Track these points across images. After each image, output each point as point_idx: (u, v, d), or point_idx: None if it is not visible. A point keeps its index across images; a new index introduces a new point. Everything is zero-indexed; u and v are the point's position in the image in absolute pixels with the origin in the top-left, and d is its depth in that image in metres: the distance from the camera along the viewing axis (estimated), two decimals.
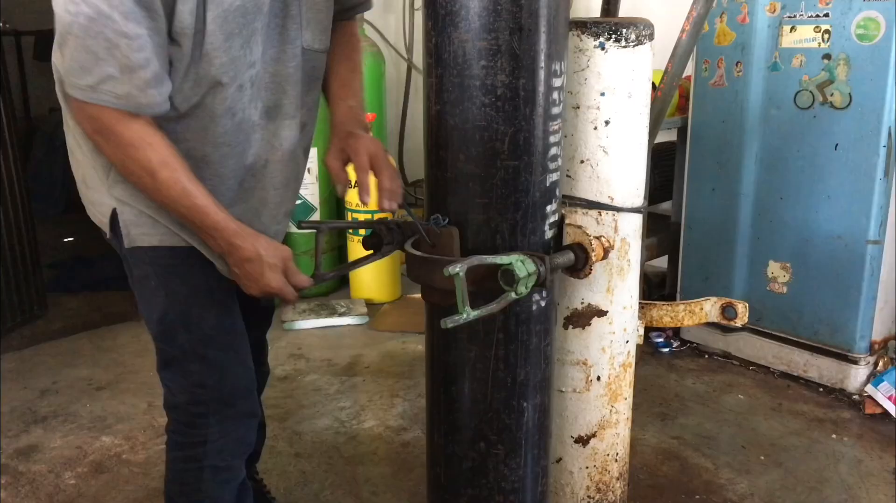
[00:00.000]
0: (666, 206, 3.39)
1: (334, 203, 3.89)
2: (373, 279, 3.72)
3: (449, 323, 1.20)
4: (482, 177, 1.29)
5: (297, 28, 1.48)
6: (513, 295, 1.25)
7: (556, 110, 1.32)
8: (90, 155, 1.50)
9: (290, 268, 1.44)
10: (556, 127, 1.33)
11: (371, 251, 1.51)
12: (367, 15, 4.01)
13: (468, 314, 1.20)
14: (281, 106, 1.52)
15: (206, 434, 1.61)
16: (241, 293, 1.54)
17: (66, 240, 4.77)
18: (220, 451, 1.63)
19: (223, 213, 1.39)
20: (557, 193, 1.39)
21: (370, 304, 3.67)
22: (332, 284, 3.92)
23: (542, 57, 1.26)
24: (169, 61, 1.33)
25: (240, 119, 1.45)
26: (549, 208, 1.36)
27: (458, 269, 1.19)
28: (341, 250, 3.91)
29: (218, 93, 1.39)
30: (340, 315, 3.52)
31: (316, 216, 3.76)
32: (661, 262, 3.47)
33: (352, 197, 3.65)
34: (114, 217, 1.49)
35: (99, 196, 1.52)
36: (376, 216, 3.62)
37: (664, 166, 3.29)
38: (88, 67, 1.25)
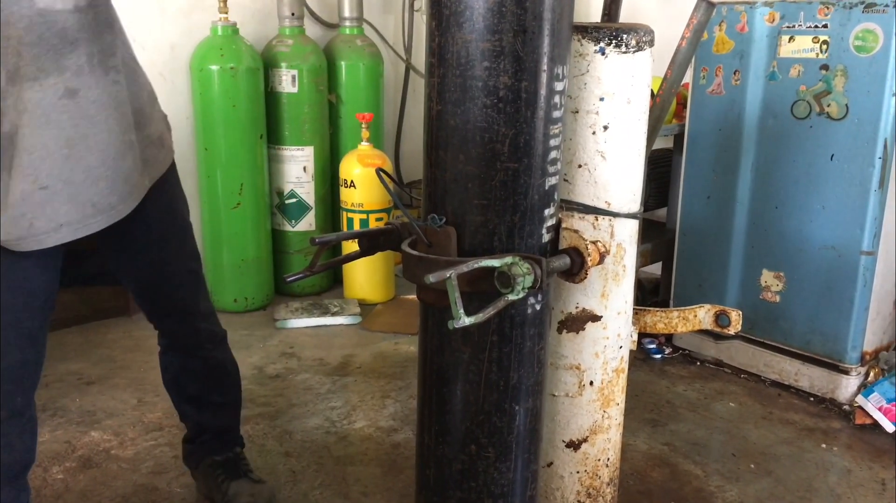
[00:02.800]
0: (661, 213, 3.40)
1: (329, 202, 3.89)
2: (366, 279, 3.72)
3: (453, 325, 1.20)
4: (481, 178, 1.29)
5: None
6: (510, 297, 1.24)
7: (557, 114, 1.32)
8: None
9: None
10: (556, 130, 1.33)
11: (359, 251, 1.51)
12: (366, 15, 4.01)
13: (463, 320, 1.20)
14: (18, 69, 1.47)
15: None
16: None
17: None
18: None
19: None
20: (556, 197, 1.39)
21: (363, 304, 3.66)
22: (325, 283, 3.91)
23: (545, 60, 1.26)
24: None
25: None
26: (547, 212, 1.36)
27: (448, 275, 1.19)
28: (335, 248, 3.90)
29: None
30: (333, 314, 3.52)
31: (311, 215, 3.76)
32: (655, 269, 3.48)
33: (347, 196, 3.65)
34: None
35: None
36: (371, 216, 3.63)
37: (660, 173, 3.30)
38: None
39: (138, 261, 1.92)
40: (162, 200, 1.86)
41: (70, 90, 1.54)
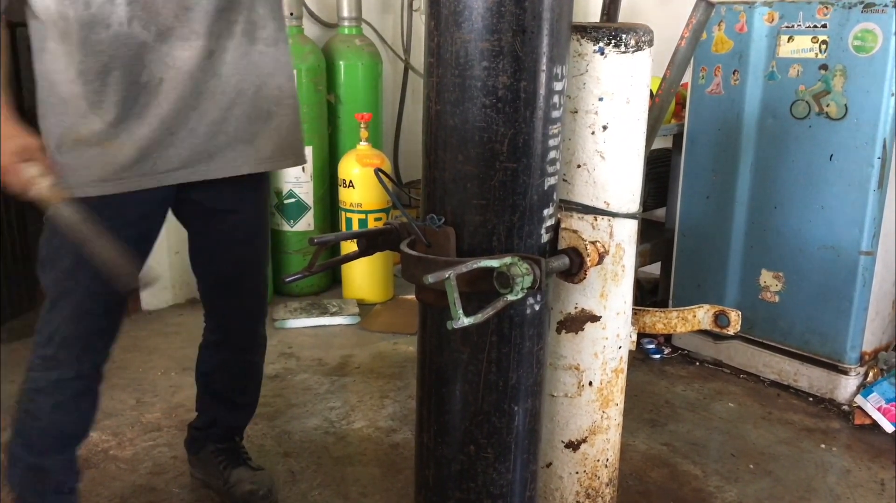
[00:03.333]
0: (660, 213, 3.40)
1: (328, 202, 3.88)
2: (365, 279, 3.71)
3: (452, 325, 1.19)
4: (480, 178, 1.29)
5: None
6: (509, 297, 1.24)
7: (556, 114, 1.31)
8: None
9: (31, 157, 1.60)
10: (555, 131, 1.33)
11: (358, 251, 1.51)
12: (365, 15, 4.01)
13: (462, 320, 1.20)
14: (173, 28, 1.65)
15: (32, 362, 1.86)
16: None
17: None
18: (35, 381, 1.85)
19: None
20: (555, 197, 1.39)
21: (362, 304, 3.66)
22: (324, 283, 3.91)
23: (544, 60, 1.26)
24: None
25: (115, 32, 1.61)
26: (546, 212, 1.36)
27: (447, 276, 1.18)
28: (333, 248, 3.89)
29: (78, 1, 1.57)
30: (332, 314, 3.51)
31: (310, 215, 3.75)
32: (654, 269, 3.47)
33: (346, 196, 3.65)
34: None
35: None
36: (370, 216, 3.62)
37: (659, 173, 3.30)
38: None
39: (227, 254, 1.98)
40: (259, 200, 1.99)
41: (211, 51, 1.71)
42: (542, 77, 1.27)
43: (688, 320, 1.76)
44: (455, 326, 1.19)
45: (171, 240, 3.39)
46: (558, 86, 1.31)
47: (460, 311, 1.19)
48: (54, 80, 1.68)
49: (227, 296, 2.05)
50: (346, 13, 3.86)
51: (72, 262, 1.71)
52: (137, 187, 1.73)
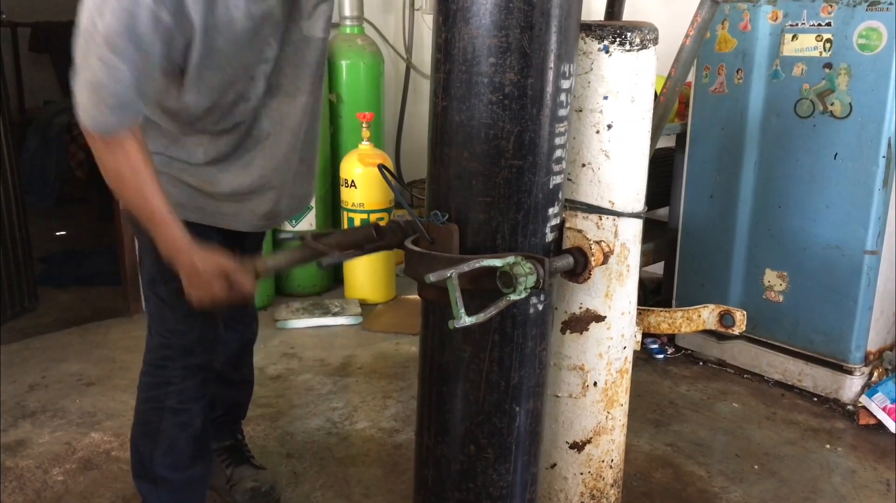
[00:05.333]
0: (663, 212, 3.38)
1: (330, 202, 3.87)
2: (367, 279, 3.70)
3: (454, 325, 1.18)
4: (485, 175, 1.28)
5: (301, 19, 1.63)
6: (511, 297, 1.23)
7: (562, 112, 1.30)
8: None
9: (232, 276, 1.52)
10: (562, 129, 1.32)
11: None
12: (366, 14, 3.99)
13: (463, 319, 1.19)
14: (280, 85, 1.67)
15: (170, 376, 1.80)
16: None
17: (57, 233, 4.74)
18: (180, 394, 1.81)
19: (178, 227, 1.53)
20: (560, 196, 1.38)
21: (364, 305, 3.65)
22: (325, 284, 3.90)
23: (552, 57, 1.25)
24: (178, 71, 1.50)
25: (248, 102, 1.63)
26: (551, 210, 1.35)
27: (449, 275, 1.17)
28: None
29: (230, 92, 1.58)
30: (334, 315, 3.50)
31: (311, 215, 3.74)
32: (657, 269, 3.46)
33: (347, 196, 3.64)
34: None
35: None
36: (372, 216, 3.62)
37: (662, 172, 3.28)
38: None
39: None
40: None
41: (309, 107, 1.76)
42: (550, 74, 1.26)
43: (693, 320, 1.75)
44: (457, 326, 1.18)
45: None
46: (566, 84, 1.30)
47: (462, 311, 1.18)
48: (175, 133, 1.67)
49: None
50: (347, 12, 3.85)
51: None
52: (227, 226, 1.77)
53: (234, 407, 2.26)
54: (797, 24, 2.66)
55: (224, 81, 1.56)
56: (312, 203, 3.73)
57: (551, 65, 1.25)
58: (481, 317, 1.21)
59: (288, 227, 3.74)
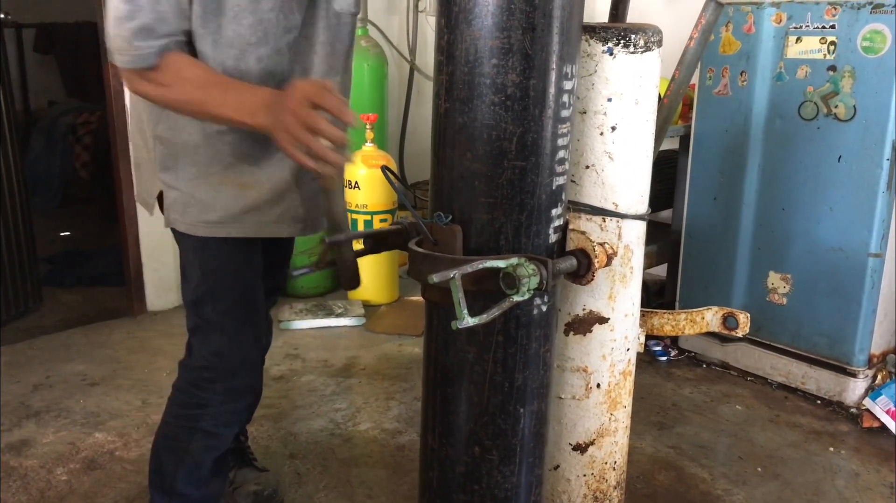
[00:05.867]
0: (666, 215, 3.38)
1: None
2: (371, 280, 3.70)
3: (456, 325, 1.19)
4: (488, 176, 1.28)
5: None
6: (515, 298, 1.23)
7: (565, 113, 1.31)
8: (145, 141, 1.65)
9: (319, 95, 1.33)
10: (564, 130, 1.32)
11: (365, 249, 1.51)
12: (370, 16, 4.00)
13: (466, 320, 1.19)
14: (311, 67, 1.59)
15: (209, 399, 1.72)
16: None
17: (62, 234, 4.75)
18: (216, 418, 1.73)
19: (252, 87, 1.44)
20: (564, 197, 1.38)
21: (367, 306, 3.65)
22: (329, 285, 3.90)
23: (554, 58, 1.25)
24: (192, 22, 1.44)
25: (279, 81, 1.52)
26: (554, 212, 1.35)
27: (452, 275, 1.17)
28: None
29: (251, 53, 1.49)
30: (337, 316, 3.51)
31: None
32: (661, 271, 3.46)
33: (351, 197, 3.64)
34: (160, 198, 1.65)
35: (150, 175, 1.66)
36: (376, 217, 3.62)
37: (665, 174, 3.28)
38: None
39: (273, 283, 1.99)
40: None
41: (346, 88, 1.68)
42: (552, 75, 1.26)
43: (696, 322, 1.74)
44: (460, 326, 1.19)
45: None
46: (568, 84, 1.30)
47: (465, 311, 1.18)
48: (204, 125, 1.57)
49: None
50: None
51: (235, 296, 1.69)
52: (270, 233, 1.68)
53: None
54: (801, 27, 2.66)
55: (241, 37, 1.47)
56: None
57: (553, 66, 1.25)
58: (484, 318, 1.21)
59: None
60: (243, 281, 1.70)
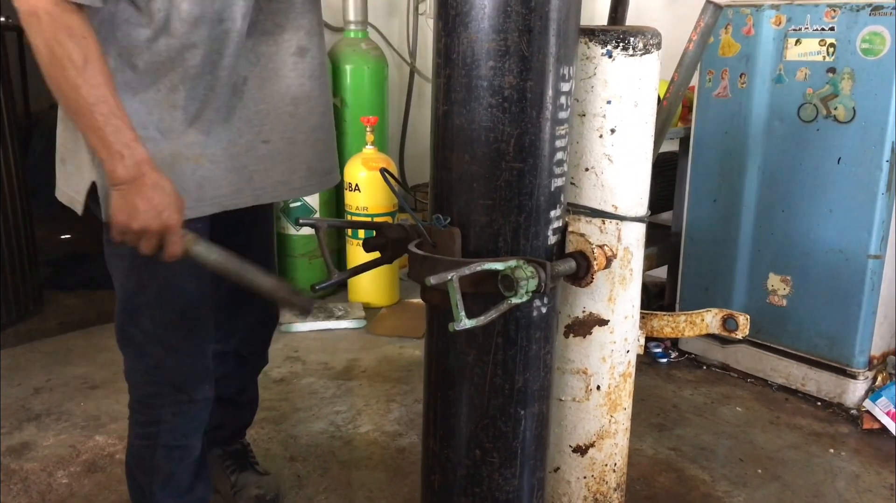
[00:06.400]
0: (666, 217, 3.38)
1: (334, 205, 3.88)
2: (371, 283, 3.71)
3: (454, 327, 1.19)
4: (486, 178, 1.28)
5: None
6: (513, 300, 1.24)
7: (563, 115, 1.31)
8: (72, 131, 1.49)
9: (169, 233, 1.33)
10: (562, 131, 1.32)
11: (377, 254, 1.49)
12: (371, 19, 4.00)
13: (463, 322, 1.19)
14: (257, 23, 1.49)
15: (160, 415, 1.65)
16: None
17: (63, 237, 4.75)
18: (173, 432, 1.66)
19: (130, 126, 1.33)
20: (562, 199, 1.38)
21: (368, 308, 3.66)
22: (329, 287, 3.90)
23: (551, 60, 1.25)
24: None
25: (233, 40, 1.43)
26: (553, 213, 1.35)
27: (449, 278, 1.18)
28: (340, 253, 3.90)
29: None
30: (338, 318, 3.51)
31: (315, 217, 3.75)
32: (661, 273, 3.46)
33: (352, 200, 3.65)
34: (93, 190, 1.47)
35: (77, 169, 1.50)
36: (376, 219, 3.62)
37: (665, 176, 3.29)
38: None
39: (256, 253, 1.82)
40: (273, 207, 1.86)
41: (301, 48, 1.55)
42: (549, 77, 1.26)
43: (696, 324, 1.75)
44: (457, 328, 1.19)
45: None
46: (565, 86, 1.30)
47: (462, 314, 1.18)
48: (148, 85, 1.44)
49: (246, 303, 1.92)
50: (351, 17, 3.86)
51: (181, 304, 1.59)
52: (234, 206, 1.54)
53: (240, 426, 2.24)
54: (801, 29, 2.66)
55: None
56: (316, 206, 3.75)
57: (550, 67, 1.26)
58: (482, 319, 1.21)
59: (291, 230, 3.75)
60: (191, 287, 1.57)
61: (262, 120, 1.54)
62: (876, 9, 2.49)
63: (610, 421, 1.68)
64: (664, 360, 3.16)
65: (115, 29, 1.39)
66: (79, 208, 1.53)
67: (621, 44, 1.45)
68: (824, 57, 2.62)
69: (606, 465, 1.71)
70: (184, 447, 1.70)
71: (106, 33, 1.38)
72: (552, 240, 1.38)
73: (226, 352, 2.03)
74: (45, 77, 1.32)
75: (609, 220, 1.54)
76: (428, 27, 4.40)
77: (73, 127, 1.46)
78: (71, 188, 1.55)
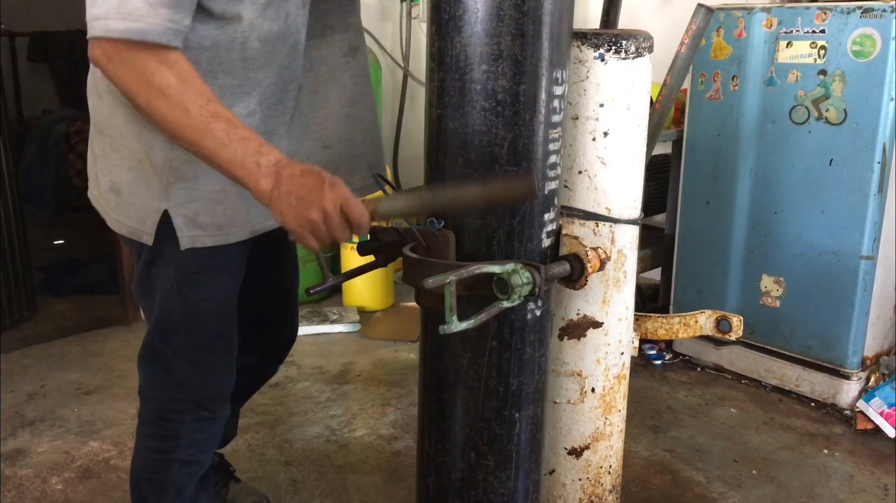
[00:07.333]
0: (659, 219, 3.40)
1: None
2: (365, 287, 3.71)
3: (445, 330, 1.19)
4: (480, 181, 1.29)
5: None
6: (504, 304, 1.24)
7: (556, 118, 1.32)
8: (139, 153, 1.40)
9: (347, 205, 1.21)
10: (556, 135, 1.33)
11: (372, 257, 1.49)
12: (364, 23, 4.00)
13: (455, 325, 1.19)
14: (307, 26, 1.45)
15: (180, 430, 1.62)
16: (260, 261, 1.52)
17: (56, 242, 4.74)
18: (191, 447, 1.64)
19: (260, 140, 1.23)
20: (556, 202, 1.39)
21: (362, 312, 3.66)
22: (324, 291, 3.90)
23: (544, 64, 1.26)
24: None
25: (294, 41, 1.39)
26: (546, 216, 1.36)
27: (449, 280, 1.18)
28: (334, 259, 3.90)
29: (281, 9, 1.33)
30: (332, 322, 3.51)
31: None
32: (655, 275, 3.47)
33: None
34: (164, 220, 1.42)
35: (142, 200, 1.43)
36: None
37: (658, 178, 3.30)
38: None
39: (281, 278, 1.85)
40: None
41: (353, 47, 1.51)
42: (542, 81, 1.27)
43: (690, 326, 1.75)
44: (448, 331, 1.19)
45: None
46: (558, 90, 1.31)
47: (454, 317, 1.19)
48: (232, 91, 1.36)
49: (277, 323, 1.90)
50: None
51: (218, 327, 1.57)
52: (269, 227, 1.48)
53: (228, 438, 2.16)
54: (792, 32, 2.68)
55: None
56: None
57: (543, 71, 1.26)
58: (472, 322, 1.22)
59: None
60: (225, 310, 1.56)
61: (321, 124, 1.51)
62: (866, 11, 2.51)
63: (605, 423, 1.69)
64: (658, 362, 3.17)
65: (200, 54, 1.31)
66: (148, 239, 1.45)
67: (614, 47, 1.46)
68: (815, 59, 2.64)
69: (601, 467, 1.72)
70: (198, 463, 1.69)
71: (193, 59, 1.29)
72: (546, 242, 1.38)
73: (241, 367, 2.00)
74: (149, 117, 1.23)
75: (603, 223, 1.54)
76: (421, 31, 4.41)
77: (129, 155, 1.40)
78: (133, 219, 1.47)
